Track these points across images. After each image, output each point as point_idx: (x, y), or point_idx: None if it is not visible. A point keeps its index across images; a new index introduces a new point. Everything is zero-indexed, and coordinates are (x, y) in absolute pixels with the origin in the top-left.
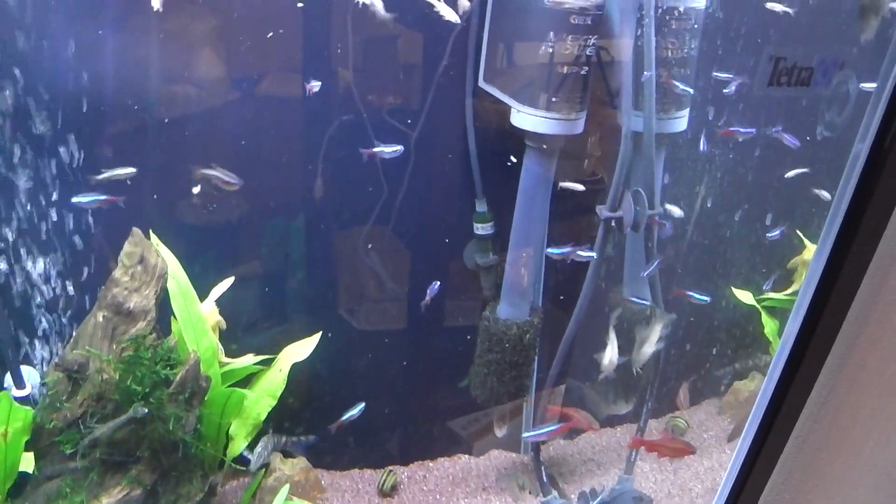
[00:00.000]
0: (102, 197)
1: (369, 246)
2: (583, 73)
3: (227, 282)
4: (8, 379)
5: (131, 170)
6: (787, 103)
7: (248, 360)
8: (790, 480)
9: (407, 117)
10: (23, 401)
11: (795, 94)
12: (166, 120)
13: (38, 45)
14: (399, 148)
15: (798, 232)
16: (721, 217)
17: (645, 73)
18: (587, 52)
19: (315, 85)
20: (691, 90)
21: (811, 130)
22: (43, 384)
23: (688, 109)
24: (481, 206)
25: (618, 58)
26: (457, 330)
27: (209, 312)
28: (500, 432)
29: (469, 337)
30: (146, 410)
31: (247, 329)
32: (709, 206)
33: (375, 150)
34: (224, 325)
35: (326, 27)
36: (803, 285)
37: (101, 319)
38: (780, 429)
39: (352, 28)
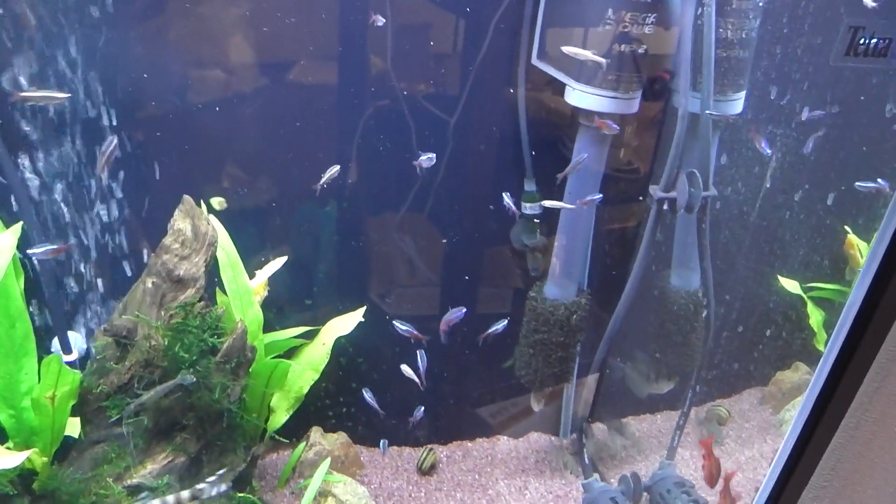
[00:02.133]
0: (53, 246)
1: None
2: (640, 51)
3: (281, 259)
4: (56, 344)
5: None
6: (855, 80)
7: (290, 332)
8: (838, 469)
9: (446, 102)
10: (69, 366)
11: (870, 65)
12: (199, 105)
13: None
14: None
15: (846, 228)
16: (780, 198)
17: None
18: (646, 30)
19: (379, 19)
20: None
21: (881, 106)
22: (89, 349)
23: (744, 92)
24: (530, 186)
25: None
26: (499, 313)
27: (260, 285)
28: (537, 407)
29: (511, 320)
30: (193, 378)
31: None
32: (768, 186)
33: (423, 159)
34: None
35: (363, 11)
36: (860, 274)
37: (150, 286)
38: (830, 417)
39: (391, 12)
